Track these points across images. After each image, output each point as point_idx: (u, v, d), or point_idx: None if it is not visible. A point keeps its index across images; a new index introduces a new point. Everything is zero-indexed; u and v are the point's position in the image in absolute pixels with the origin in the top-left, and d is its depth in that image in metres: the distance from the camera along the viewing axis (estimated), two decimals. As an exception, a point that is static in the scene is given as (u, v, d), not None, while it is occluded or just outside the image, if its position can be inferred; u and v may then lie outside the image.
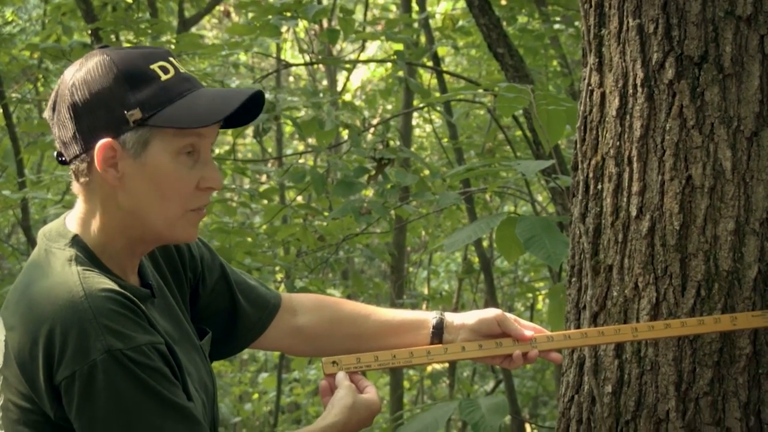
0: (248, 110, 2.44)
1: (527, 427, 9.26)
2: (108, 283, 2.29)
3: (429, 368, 11.88)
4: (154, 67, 2.34)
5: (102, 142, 2.30)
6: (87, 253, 2.36)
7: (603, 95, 2.85)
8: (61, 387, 2.23)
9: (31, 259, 2.43)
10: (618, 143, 2.79)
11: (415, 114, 11.18)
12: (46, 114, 2.41)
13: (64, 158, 2.39)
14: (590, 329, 2.73)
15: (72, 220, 2.42)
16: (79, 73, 2.33)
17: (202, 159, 2.39)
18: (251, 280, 2.79)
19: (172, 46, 6.59)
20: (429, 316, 2.77)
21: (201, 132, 2.35)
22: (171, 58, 2.39)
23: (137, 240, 2.41)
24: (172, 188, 2.36)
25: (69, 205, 2.54)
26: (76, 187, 2.41)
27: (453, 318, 2.75)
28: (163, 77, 2.34)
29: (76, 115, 2.32)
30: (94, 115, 2.31)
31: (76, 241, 2.37)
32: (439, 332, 2.73)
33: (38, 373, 2.25)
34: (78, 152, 2.34)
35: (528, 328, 2.68)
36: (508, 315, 2.71)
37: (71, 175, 2.41)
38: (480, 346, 2.66)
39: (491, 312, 2.71)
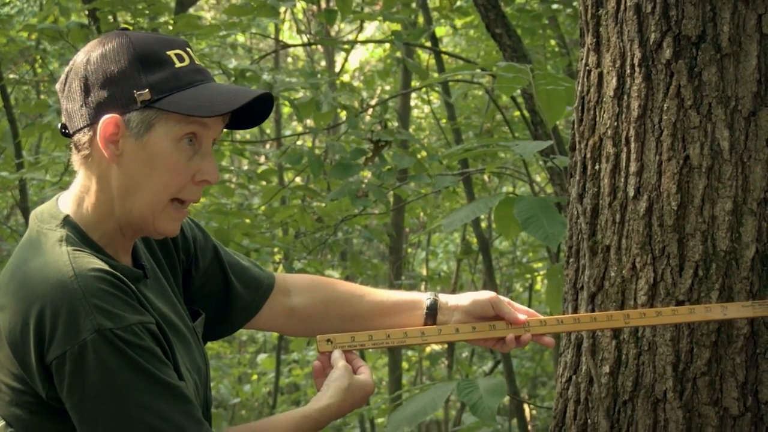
0: (256, 112, 2.46)
1: (526, 407, 9.28)
2: (98, 263, 2.30)
3: (428, 349, 11.89)
4: (171, 53, 2.37)
5: (107, 117, 2.32)
6: (78, 233, 2.37)
7: (600, 75, 2.84)
8: (52, 367, 2.24)
9: (23, 240, 2.44)
10: (615, 123, 2.79)
11: (414, 95, 11.16)
12: (58, 86, 2.44)
13: (67, 130, 2.40)
14: (583, 314, 2.73)
15: (65, 200, 2.43)
16: (96, 51, 2.36)
17: (203, 151, 2.40)
18: (245, 261, 2.79)
19: (170, 27, 6.57)
20: (423, 297, 2.78)
21: (206, 122, 2.37)
22: (189, 49, 2.41)
23: (125, 223, 2.41)
24: (166, 173, 2.37)
25: (66, 187, 2.53)
26: (75, 159, 2.42)
27: (447, 299, 2.76)
28: (178, 64, 2.37)
29: (86, 89, 2.34)
30: (104, 91, 2.33)
31: (67, 222, 2.38)
32: (433, 313, 2.74)
33: (29, 353, 2.26)
34: (82, 125, 2.36)
35: (521, 312, 2.69)
36: (502, 298, 2.72)
37: (72, 148, 2.42)
38: (473, 328, 2.67)
39: (485, 294, 2.72)
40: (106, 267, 2.30)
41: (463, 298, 2.74)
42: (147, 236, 2.52)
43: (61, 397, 2.26)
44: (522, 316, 2.68)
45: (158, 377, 2.27)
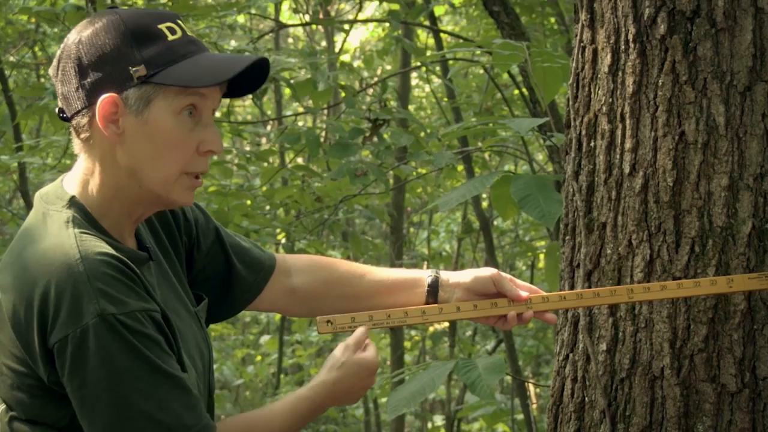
0: (252, 79, 2.45)
1: (530, 386, 9.28)
2: (105, 247, 2.28)
3: (431, 328, 11.90)
4: (162, 27, 2.35)
5: (105, 96, 2.31)
6: (84, 215, 2.36)
7: (595, 52, 2.82)
8: (55, 350, 2.23)
9: (28, 221, 2.43)
10: (610, 100, 2.77)
11: (415, 74, 11.14)
12: (51, 71, 2.42)
13: (65, 114, 2.39)
14: (586, 290, 2.72)
15: (70, 182, 2.42)
16: (87, 31, 2.34)
17: (203, 121, 2.38)
18: (245, 242, 2.78)
19: (167, 8, 6.54)
20: (424, 275, 2.76)
21: (204, 93, 2.36)
22: (179, 21, 2.39)
23: (134, 201, 2.40)
24: (171, 147, 2.36)
25: (65, 170, 2.52)
26: (76, 143, 2.40)
27: (448, 276, 2.74)
28: (170, 37, 2.35)
29: (80, 70, 2.33)
30: (99, 71, 2.32)
31: (73, 203, 2.37)
32: (434, 291, 2.72)
33: (33, 335, 2.25)
34: (80, 107, 2.34)
35: (523, 289, 2.67)
36: (504, 275, 2.70)
37: (71, 132, 2.41)
38: (475, 306, 2.65)
39: (487, 271, 2.70)
40: (112, 251, 2.29)
41: (465, 275, 2.72)
42: (159, 211, 2.52)
43: (62, 381, 2.25)
44: (524, 293, 2.66)
45: (159, 366, 2.26)
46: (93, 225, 2.35)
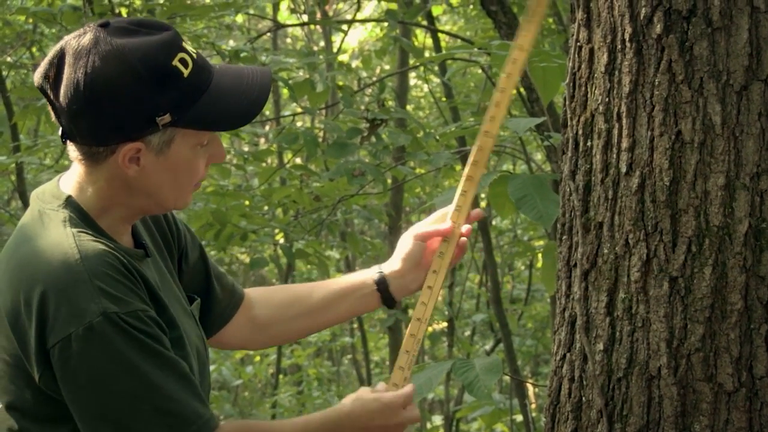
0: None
1: (529, 386, 9.28)
2: (104, 247, 2.29)
3: (429, 329, 11.90)
4: (176, 62, 2.32)
5: (129, 145, 2.31)
6: (81, 214, 2.36)
7: (591, 51, 2.82)
8: (54, 350, 2.23)
9: (24, 220, 2.43)
10: (607, 99, 2.77)
11: (413, 74, 11.13)
12: (39, 82, 2.36)
13: (69, 138, 2.37)
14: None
15: (67, 182, 2.42)
16: (93, 63, 2.28)
17: (210, 139, 2.41)
18: (220, 268, 2.83)
19: (164, 8, 6.54)
20: (369, 276, 2.80)
21: None
22: (184, 44, 2.36)
23: (138, 210, 2.44)
24: (188, 174, 2.40)
25: (63, 170, 2.52)
26: (76, 155, 2.38)
27: (390, 268, 2.80)
28: (185, 72, 2.33)
29: (99, 111, 2.29)
30: (120, 117, 2.29)
31: (69, 202, 2.37)
32: (384, 286, 2.77)
33: (30, 335, 2.26)
34: (95, 144, 2.33)
35: (438, 222, 2.77)
36: (419, 227, 2.78)
37: (77, 150, 2.38)
38: (434, 272, 2.73)
39: (406, 244, 2.78)
40: (112, 251, 2.30)
41: (395, 263, 2.79)
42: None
43: (60, 381, 2.25)
44: (444, 226, 2.75)
45: (167, 359, 2.28)
46: (90, 225, 2.36)
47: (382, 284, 2.77)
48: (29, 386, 2.31)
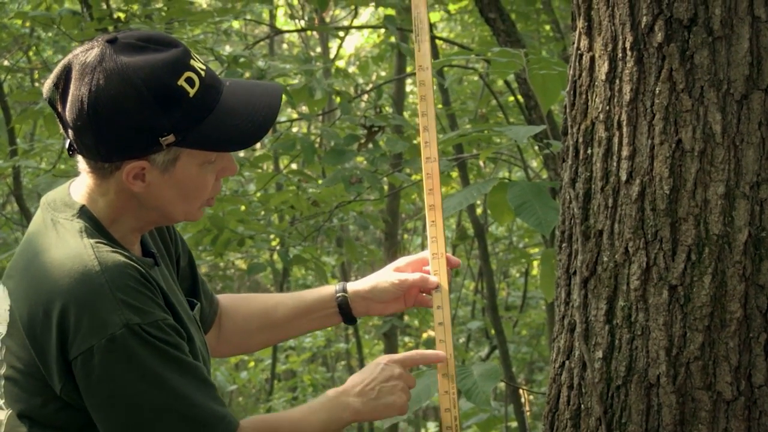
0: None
1: (522, 393, 9.28)
2: (123, 258, 2.30)
3: (424, 335, 11.89)
4: (182, 82, 2.30)
5: (133, 164, 2.31)
6: (95, 225, 2.36)
7: (592, 59, 2.83)
8: (77, 362, 2.23)
9: (35, 228, 2.42)
10: (607, 107, 2.77)
11: (410, 80, 11.14)
12: (48, 94, 2.35)
13: (76, 151, 2.37)
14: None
15: (78, 191, 2.41)
16: (97, 81, 2.27)
17: (220, 155, 2.41)
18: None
19: (163, 13, 6.54)
20: (332, 295, 2.84)
21: None
22: (192, 62, 2.34)
23: (148, 221, 2.45)
24: (196, 190, 2.40)
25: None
26: (85, 168, 2.39)
27: (355, 289, 2.83)
28: (191, 92, 2.31)
29: (102, 129, 2.29)
30: (123, 136, 2.29)
31: (83, 212, 2.37)
32: (345, 310, 2.82)
33: (50, 347, 2.25)
34: (100, 160, 2.34)
35: (414, 268, 2.81)
36: (397, 274, 2.79)
37: (85, 163, 2.38)
38: (438, 307, 2.80)
39: (386, 277, 2.80)
40: (131, 262, 2.30)
41: (366, 284, 2.83)
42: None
43: (83, 392, 2.25)
44: (414, 276, 2.78)
45: (187, 364, 2.30)
46: (104, 235, 2.36)
47: (343, 306, 2.82)
48: (44, 395, 2.31)
